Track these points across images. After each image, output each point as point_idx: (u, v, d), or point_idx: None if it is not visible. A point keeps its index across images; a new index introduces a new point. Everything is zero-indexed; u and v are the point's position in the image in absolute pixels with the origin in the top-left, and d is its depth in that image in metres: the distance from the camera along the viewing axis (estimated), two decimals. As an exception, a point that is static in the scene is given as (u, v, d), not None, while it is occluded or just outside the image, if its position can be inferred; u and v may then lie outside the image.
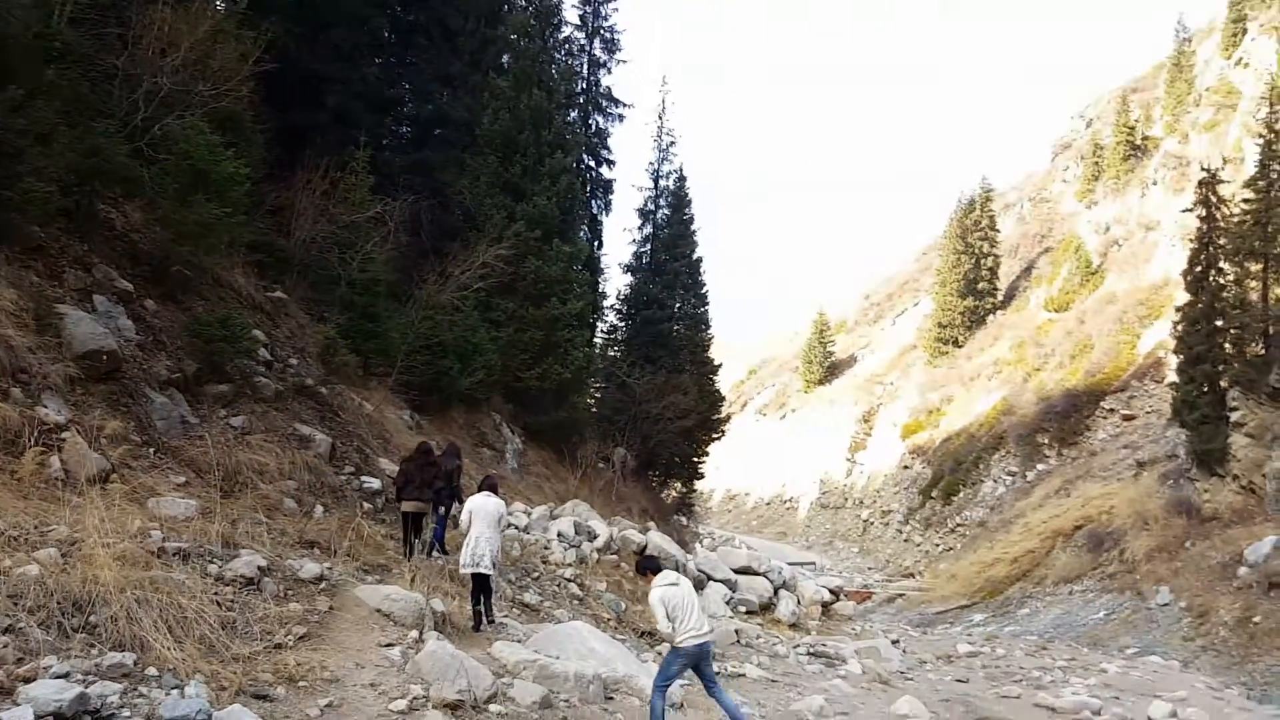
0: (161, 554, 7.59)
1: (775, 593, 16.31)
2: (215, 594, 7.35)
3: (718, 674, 10.78)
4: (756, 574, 16.62)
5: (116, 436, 9.60)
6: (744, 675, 10.96)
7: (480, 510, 9.21)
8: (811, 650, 13.53)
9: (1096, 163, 58.16)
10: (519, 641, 9.07)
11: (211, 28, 14.07)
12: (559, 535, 14.00)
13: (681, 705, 8.64)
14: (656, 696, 7.35)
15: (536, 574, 12.45)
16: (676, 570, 15.50)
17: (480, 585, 9.32)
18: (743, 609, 15.45)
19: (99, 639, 6.10)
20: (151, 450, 10.04)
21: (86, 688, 5.30)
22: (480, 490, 9.64)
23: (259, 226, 16.21)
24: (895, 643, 16.48)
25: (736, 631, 12.95)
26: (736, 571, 16.51)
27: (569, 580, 12.66)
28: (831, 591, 18.05)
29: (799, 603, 16.55)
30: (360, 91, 19.80)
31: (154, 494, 9.00)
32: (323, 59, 18.61)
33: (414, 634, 7.98)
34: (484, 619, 9.36)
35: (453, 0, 22.84)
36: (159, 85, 12.67)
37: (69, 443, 8.84)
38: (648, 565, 7.90)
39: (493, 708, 7.06)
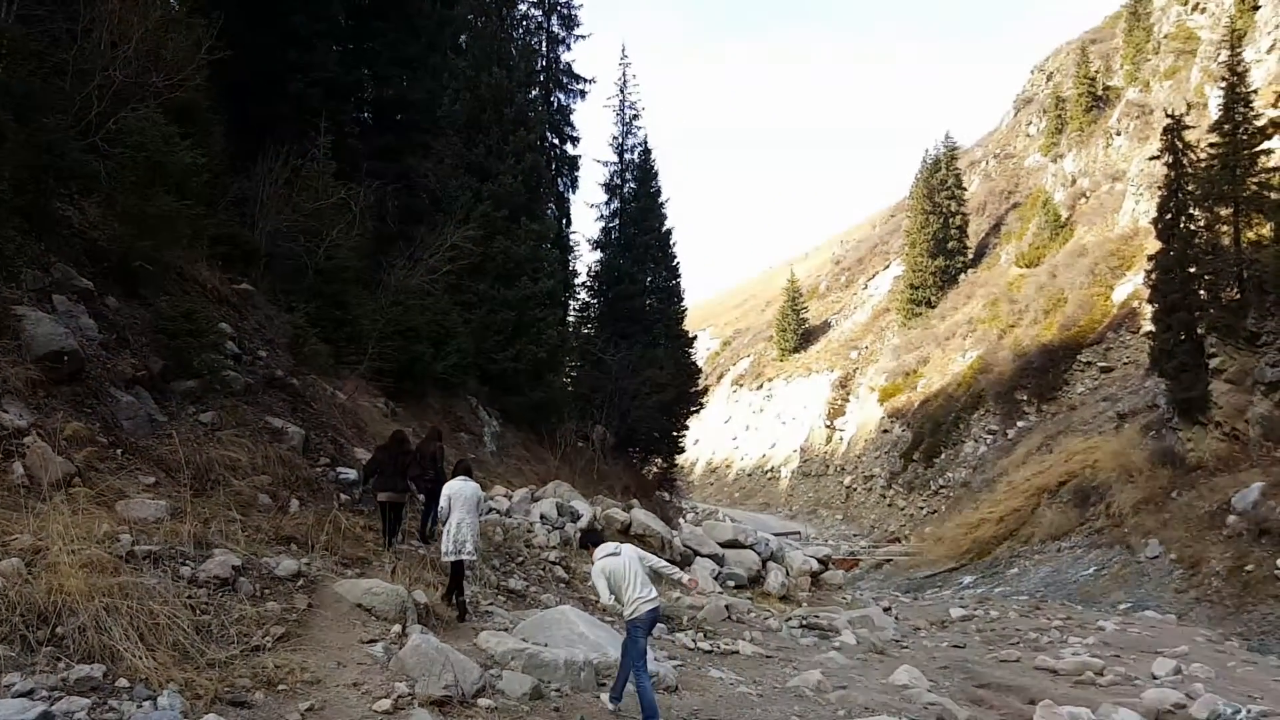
0: (131, 558, 7.34)
1: (764, 565, 16.30)
2: (188, 597, 7.13)
3: (709, 652, 10.78)
4: (744, 547, 16.61)
5: (82, 439, 9.30)
6: (738, 652, 10.86)
7: (459, 495, 9.01)
8: (804, 622, 13.48)
9: (1059, 115, 58.40)
10: (505, 630, 8.92)
11: (162, 17, 13.64)
12: (541, 518, 13.85)
13: (676, 688, 8.54)
14: (641, 678, 7.21)
15: (520, 558, 12.30)
16: (665, 546, 15.51)
17: (460, 572, 9.16)
18: (731, 583, 15.42)
19: (66, 651, 5.87)
20: (119, 451, 9.73)
21: (51, 705, 5.09)
22: (455, 474, 9.40)
23: (222, 219, 15.85)
24: (887, 610, 16.52)
25: (727, 607, 12.85)
26: (723, 545, 16.48)
27: (554, 563, 12.52)
28: (820, 561, 18.07)
29: (788, 574, 16.54)
30: (319, 78, 19.35)
31: (122, 496, 8.72)
32: (279, 46, 18.16)
33: (396, 628, 7.80)
34: (468, 609, 9.22)
35: (406, -22, 22.29)
36: (112, 78, 12.27)
37: (32, 448, 8.54)
38: (590, 540, 7.84)
39: (482, 702, 6.90)
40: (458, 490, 9.04)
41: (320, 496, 11.31)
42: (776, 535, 23.21)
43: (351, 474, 12.18)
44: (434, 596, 9.12)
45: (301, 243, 16.61)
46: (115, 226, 12.42)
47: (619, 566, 7.29)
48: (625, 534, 15.66)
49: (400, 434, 11.37)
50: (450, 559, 9.02)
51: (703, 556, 15.80)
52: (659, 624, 11.52)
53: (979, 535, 31.67)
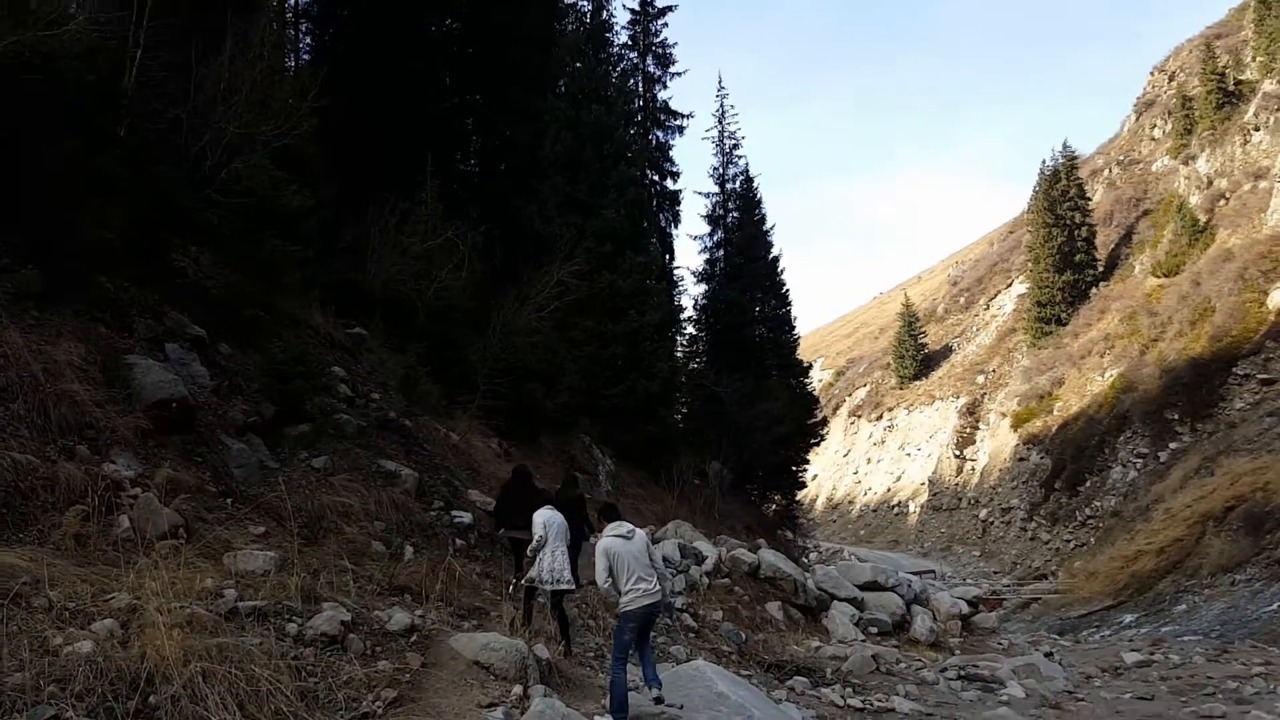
0: (234, 615, 6.82)
1: (908, 609, 14.78)
2: (294, 658, 6.52)
3: (861, 710, 9.53)
4: (884, 589, 15.15)
5: (190, 488, 8.99)
6: (893, 710, 9.55)
7: (552, 524, 8.65)
8: (962, 673, 11.95)
9: (1187, 116, 54.29)
10: (634, 687, 7.97)
11: (268, 67, 13.79)
12: (664, 560, 12.88)
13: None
14: (617, 670, 6.99)
15: (646, 605, 11.36)
16: (798, 590, 14.28)
17: (559, 603, 8.81)
18: (874, 630, 13.99)
19: (157, 724, 5.29)
20: (229, 500, 9.41)
21: (131, 792, 4.45)
22: (544, 505, 9.05)
23: (335, 266, 15.93)
24: (1049, 655, 14.68)
25: (874, 657, 11.52)
26: (861, 588, 15.07)
27: (681, 610, 11.56)
28: (969, 603, 16.34)
29: (935, 618, 14.96)
30: (426, 129, 19.67)
31: (229, 548, 8.30)
32: (388, 100, 18.53)
33: (518, 689, 6.98)
34: (571, 642, 8.95)
35: (508, 31, 22.50)
36: (224, 130, 12.40)
37: (138, 499, 8.23)
38: (605, 514, 7.70)
39: (613, 777, 5.99)
40: (549, 519, 8.72)
41: (435, 542, 10.78)
42: (911, 575, 21.55)
43: (466, 518, 11.62)
44: (556, 651, 8.32)
45: (411, 284, 16.50)
46: (228, 273, 12.44)
47: (625, 551, 7.09)
48: (754, 577, 14.55)
49: (523, 469, 10.87)
50: (548, 588, 8.62)
51: (840, 601, 14.46)
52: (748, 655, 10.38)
53: (1137, 569, 28.69)
